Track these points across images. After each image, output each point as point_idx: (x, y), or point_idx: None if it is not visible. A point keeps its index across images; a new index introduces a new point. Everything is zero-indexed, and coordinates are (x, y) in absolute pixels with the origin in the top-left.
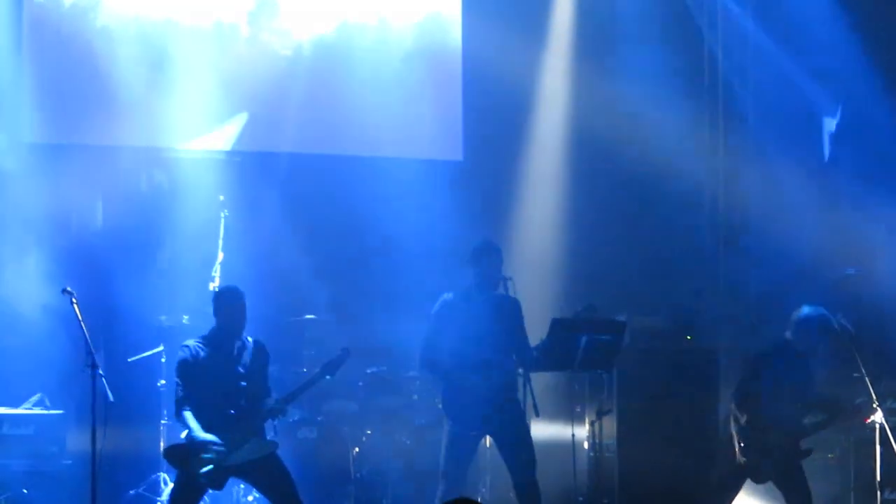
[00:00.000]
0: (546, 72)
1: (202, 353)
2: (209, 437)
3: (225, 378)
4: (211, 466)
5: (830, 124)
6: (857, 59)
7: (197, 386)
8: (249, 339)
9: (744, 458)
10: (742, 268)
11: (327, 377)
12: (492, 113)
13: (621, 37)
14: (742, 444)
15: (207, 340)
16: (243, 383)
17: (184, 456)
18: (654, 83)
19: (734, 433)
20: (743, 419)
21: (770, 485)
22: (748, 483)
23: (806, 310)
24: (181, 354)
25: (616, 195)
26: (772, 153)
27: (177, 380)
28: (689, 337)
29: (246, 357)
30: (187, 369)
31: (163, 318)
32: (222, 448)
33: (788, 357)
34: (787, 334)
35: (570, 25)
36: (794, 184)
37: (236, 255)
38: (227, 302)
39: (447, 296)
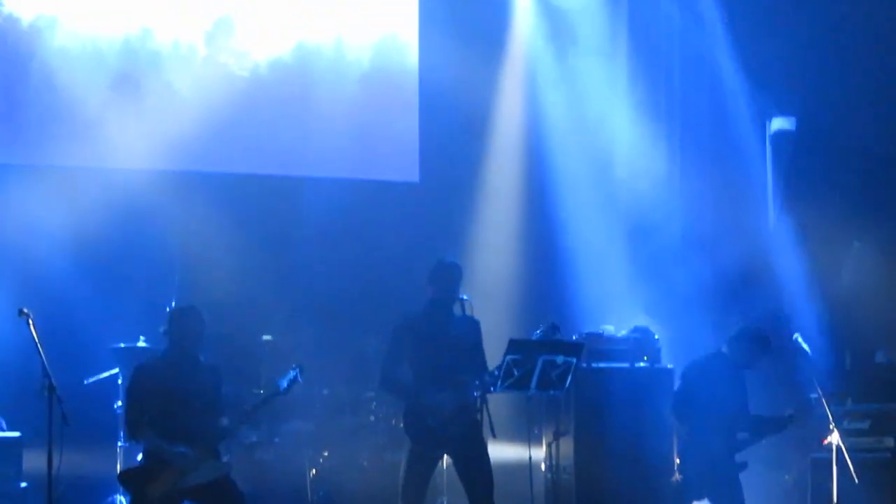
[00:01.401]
0: (503, 91)
1: (155, 374)
2: (181, 448)
3: (178, 398)
4: (165, 490)
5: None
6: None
7: (150, 406)
8: (201, 358)
9: (680, 476)
10: (696, 284)
11: (281, 393)
12: (448, 133)
13: (578, 53)
14: (679, 460)
15: (160, 360)
16: (197, 404)
17: (137, 481)
18: (612, 98)
19: (675, 448)
20: (683, 430)
21: None
22: None
23: (744, 325)
24: (134, 377)
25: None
26: (724, 164)
27: (129, 402)
28: (645, 357)
29: (200, 377)
30: (140, 390)
31: (122, 344)
32: (191, 456)
33: (723, 369)
34: (724, 348)
35: (527, 45)
36: (743, 194)
37: (193, 275)
38: (183, 321)
39: (407, 315)
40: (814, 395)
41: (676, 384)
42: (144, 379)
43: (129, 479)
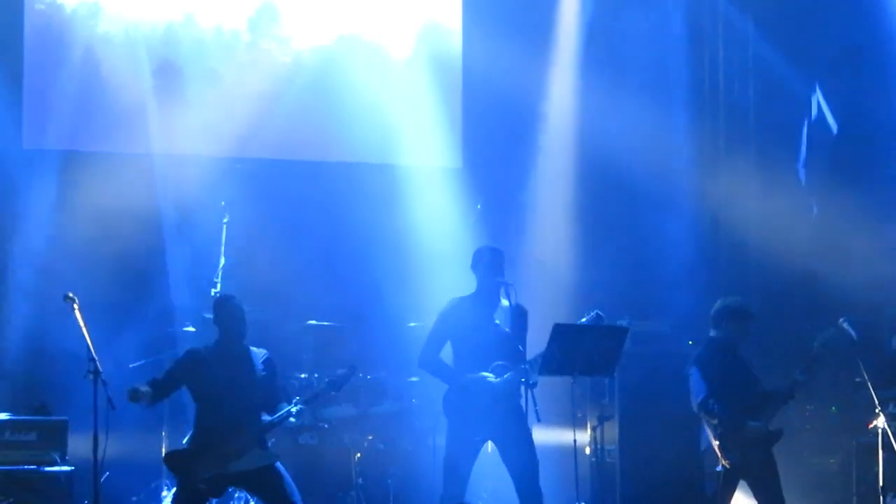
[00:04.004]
0: (550, 79)
1: (204, 359)
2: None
3: (228, 386)
4: (211, 473)
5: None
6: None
7: (201, 390)
8: (255, 349)
9: (727, 461)
10: (743, 274)
11: (333, 392)
12: (491, 119)
13: (625, 46)
14: (721, 446)
15: (211, 348)
16: (244, 393)
17: (184, 462)
18: (657, 92)
19: (712, 438)
20: (714, 419)
21: None
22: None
23: (718, 303)
24: (182, 356)
25: (618, 202)
26: (771, 160)
27: (163, 372)
28: (690, 342)
29: (249, 366)
30: (180, 369)
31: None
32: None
33: (720, 352)
34: (711, 332)
35: (574, 34)
36: (791, 190)
37: (238, 261)
38: (226, 310)
39: (454, 300)
40: (858, 380)
41: (690, 384)
42: (191, 362)
43: (176, 461)
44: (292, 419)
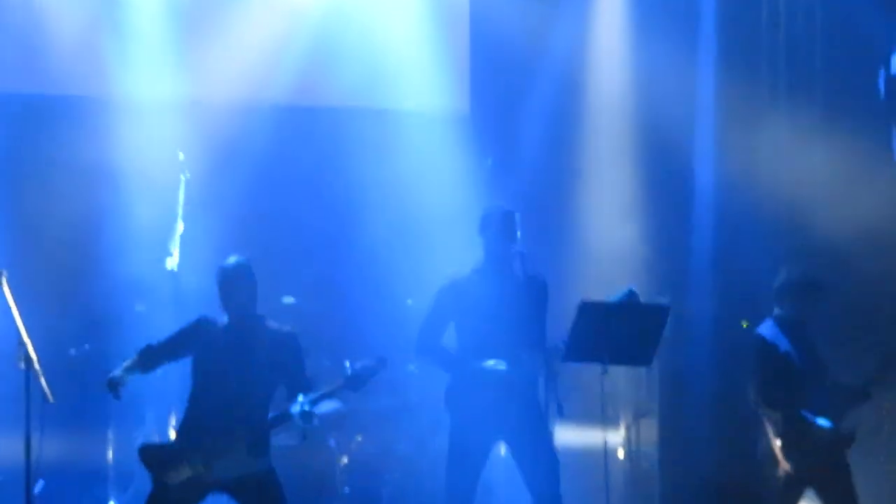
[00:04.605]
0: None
1: (215, 333)
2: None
3: (223, 372)
4: (185, 477)
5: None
6: None
7: (201, 368)
8: (275, 326)
9: (789, 464)
10: (803, 242)
11: (351, 392)
12: (500, 63)
13: None
14: (784, 447)
15: (221, 325)
16: (245, 383)
17: (158, 459)
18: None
19: (771, 437)
20: (777, 414)
21: None
22: None
23: (782, 275)
24: (197, 318)
25: (648, 157)
26: (839, 111)
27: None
28: (745, 324)
29: (258, 350)
30: (197, 335)
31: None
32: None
33: (785, 333)
34: (776, 310)
35: None
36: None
37: (199, 226)
38: (227, 281)
39: (456, 272)
40: None
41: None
42: (203, 330)
43: (152, 458)
44: (299, 423)
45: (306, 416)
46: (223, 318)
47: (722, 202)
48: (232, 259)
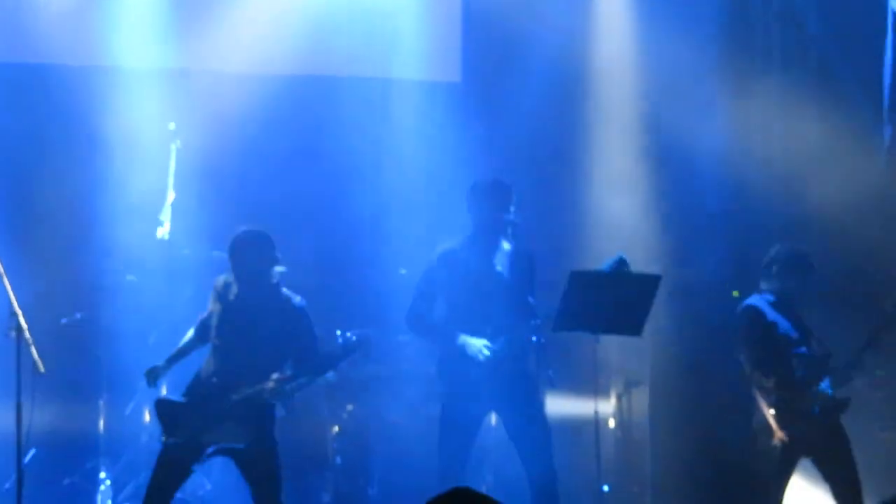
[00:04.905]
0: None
1: (231, 303)
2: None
3: (230, 336)
4: (183, 437)
5: None
6: None
7: (218, 327)
8: (289, 295)
9: (783, 433)
10: (796, 216)
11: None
12: (493, 32)
13: None
14: (777, 416)
15: (236, 297)
16: (248, 350)
17: (169, 416)
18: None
19: (765, 408)
20: (770, 382)
21: None
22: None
23: (774, 249)
24: (224, 282)
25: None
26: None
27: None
28: (735, 293)
29: (270, 321)
30: (220, 297)
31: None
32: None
33: (774, 305)
34: (762, 284)
35: None
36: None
37: (192, 196)
38: (234, 249)
39: (447, 244)
40: None
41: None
42: (224, 291)
43: (164, 413)
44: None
45: (276, 394)
46: (235, 287)
47: (720, 172)
48: (242, 228)
